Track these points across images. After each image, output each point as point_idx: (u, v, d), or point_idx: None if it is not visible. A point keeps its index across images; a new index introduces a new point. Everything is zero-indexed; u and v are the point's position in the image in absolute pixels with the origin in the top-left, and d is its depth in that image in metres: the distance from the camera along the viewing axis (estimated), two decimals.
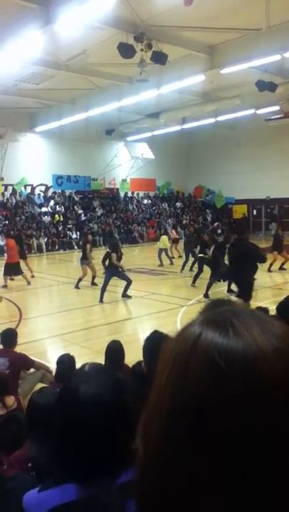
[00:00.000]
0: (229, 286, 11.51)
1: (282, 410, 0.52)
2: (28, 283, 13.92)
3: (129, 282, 11.42)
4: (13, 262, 13.83)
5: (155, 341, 3.43)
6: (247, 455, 0.51)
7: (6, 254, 14.88)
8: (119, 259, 11.48)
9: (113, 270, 11.43)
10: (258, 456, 0.51)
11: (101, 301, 11.16)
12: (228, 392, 0.52)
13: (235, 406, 0.52)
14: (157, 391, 0.59)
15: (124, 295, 11.62)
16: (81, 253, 13.52)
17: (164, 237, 17.55)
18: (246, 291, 9.16)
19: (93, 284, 13.29)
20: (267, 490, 0.51)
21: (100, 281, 12.31)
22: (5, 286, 13.66)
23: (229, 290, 11.50)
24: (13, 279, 14.08)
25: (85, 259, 13.18)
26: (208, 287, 11.28)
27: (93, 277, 13.40)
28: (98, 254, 22.46)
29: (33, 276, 14.64)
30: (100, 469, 1.18)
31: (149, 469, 0.59)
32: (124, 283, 11.52)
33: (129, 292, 11.65)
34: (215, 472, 0.52)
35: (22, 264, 14.30)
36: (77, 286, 13.11)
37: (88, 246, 13.32)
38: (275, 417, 0.52)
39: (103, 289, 11.26)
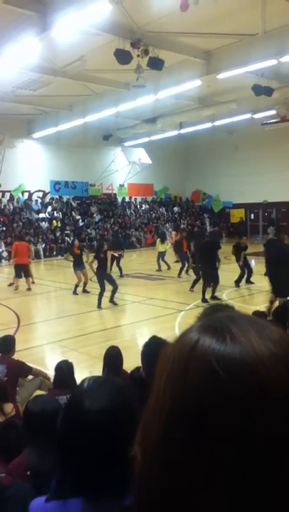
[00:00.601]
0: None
1: (280, 414, 0.52)
2: (29, 289, 13.98)
3: (114, 288, 11.42)
4: (24, 264, 14.19)
5: (153, 347, 3.42)
6: (246, 459, 0.51)
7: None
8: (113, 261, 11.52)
9: (100, 273, 11.52)
10: (258, 460, 0.51)
11: (99, 306, 11.14)
12: (226, 397, 0.52)
13: (233, 411, 0.52)
14: (156, 396, 0.59)
15: (111, 301, 11.47)
16: (73, 260, 13.36)
17: (158, 241, 17.48)
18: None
19: (84, 291, 13.28)
20: (266, 493, 0.51)
21: (91, 286, 12.31)
22: (13, 284, 14.06)
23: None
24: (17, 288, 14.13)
25: (78, 266, 13.18)
26: (204, 292, 11.38)
27: (84, 284, 13.33)
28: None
29: (33, 283, 14.64)
30: (107, 488, 1.14)
31: (147, 475, 0.58)
32: (128, 287, 11.50)
33: (125, 297, 11.65)
34: (214, 476, 0.52)
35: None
36: (75, 292, 13.11)
37: (78, 252, 13.42)
38: (274, 421, 0.52)
39: (100, 294, 11.24)
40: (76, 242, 14.28)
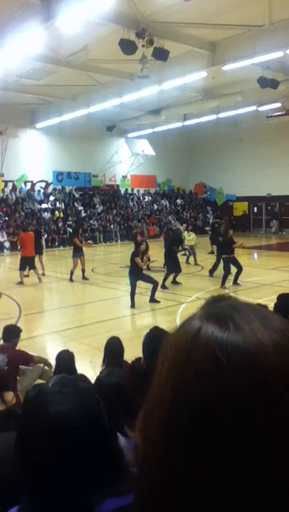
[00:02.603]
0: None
1: (283, 403, 0.52)
2: (39, 280, 13.78)
3: (155, 285, 10.78)
4: (29, 256, 13.68)
5: (155, 338, 3.43)
6: (248, 449, 0.51)
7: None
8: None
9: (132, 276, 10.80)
10: (260, 449, 0.51)
11: (132, 306, 10.54)
12: (229, 385, 0.52)
13: (236, 399, 0.52)
14: (158, 385, 0.59)
15: (152, 300, 10.80)
16: (73, 246, 13.90)
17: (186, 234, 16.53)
18: None
19: (84, 278, 13.59)
20: (268, 484, 0.51)
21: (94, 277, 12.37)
22: (21, 282, 13.44)
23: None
24: (28, 276, 13.97)
25: (78, 252, 13.56)
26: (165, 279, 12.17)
27: (83, 271, 13.66)
28: (98, 251, 22.53)
29: (43, 274, 14.41)
30: (56, 502, 1.02)
31: (149, 465, 0.58)
32: (126, 278, 11.46)
33: (127, 288, 11.60)
34: (216, 467, 0.52)
35: (36, 259, 14.27)
36: (71, 280, 13.27)
37: (77, 240, 13.78)
38: (275, 409, 0.52)
39: (132, 294, 10.69)
40: (80, 230, 14.78)
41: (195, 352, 0.55)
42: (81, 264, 13.61)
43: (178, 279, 12.84)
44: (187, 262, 16.14)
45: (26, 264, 13.67)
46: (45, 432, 1.00)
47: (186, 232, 16.47)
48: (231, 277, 12.40)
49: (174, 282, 12.73)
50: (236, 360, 0.53)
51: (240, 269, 12.26)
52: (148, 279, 10.77)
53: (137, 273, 10.64)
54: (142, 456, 0.60)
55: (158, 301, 10.71)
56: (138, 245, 10.95)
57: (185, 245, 15.35)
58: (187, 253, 16.08)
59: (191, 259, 16.30)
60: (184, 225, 18.98)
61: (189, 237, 16.02)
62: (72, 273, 13.48)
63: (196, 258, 16.28)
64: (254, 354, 0.53)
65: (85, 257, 13.83)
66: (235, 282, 12.33)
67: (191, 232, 16.60)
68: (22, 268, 13.68)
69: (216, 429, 0.52)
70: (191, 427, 0.53)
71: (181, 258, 14.55)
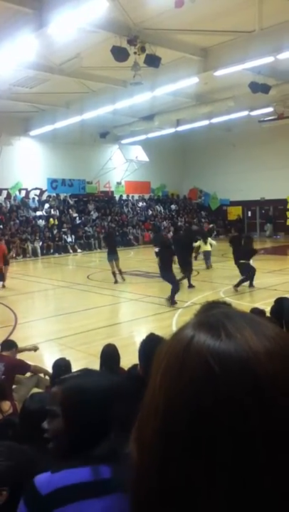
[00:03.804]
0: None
1: (276, 410, 0.52)
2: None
3: (173, 287, 10.94)
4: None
5: (151, 344, 3.42)
6: (244, 455, 0.51)
7: None
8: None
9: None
10: (255, 456, 0.51)
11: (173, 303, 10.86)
12: (222, 393, 0.53)
13: (229, 407, 0.52)
14: (151, 393, 0.59)
15: (171, 300, 10.99)
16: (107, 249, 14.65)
17: (200, 242, 16.33)
18: None
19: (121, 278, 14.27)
20: (264, 489, 0.51)
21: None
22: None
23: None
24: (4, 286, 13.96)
25: (110, 255, 14.21)
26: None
27: (120, 272, 14.26)
28: (93, 258, 22.52)
29: (4, 286, 14.06)
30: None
31: (144, 474, 0.58)
32: (125, 284, 11.48)
33: (123, 295, 11.62)
34: (212, 473, 0.52)
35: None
36: (116, 282, 13.96)
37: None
38: (269, 416, 0.52)
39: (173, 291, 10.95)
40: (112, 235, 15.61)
41: (188, 360, 0.56)
42: (116, 267, 14.22)
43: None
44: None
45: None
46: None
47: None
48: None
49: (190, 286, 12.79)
50: (229, 367, 0.53)
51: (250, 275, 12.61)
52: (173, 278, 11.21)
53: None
54: (138, 463, 0.60)
55: (175, 303, 10.88)
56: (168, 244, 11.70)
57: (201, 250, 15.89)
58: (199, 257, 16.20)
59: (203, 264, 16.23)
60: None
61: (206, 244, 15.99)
62: (114, 274, 14.10)
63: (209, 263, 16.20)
64: (246, 361, 0.53)
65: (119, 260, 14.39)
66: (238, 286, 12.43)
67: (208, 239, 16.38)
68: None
69: (211, 435, 0.52)
70: (185, 435, 0.54)
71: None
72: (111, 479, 1.27)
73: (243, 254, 12.64)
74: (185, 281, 12.66)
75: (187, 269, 12.75)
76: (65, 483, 1.26)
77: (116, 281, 14.07)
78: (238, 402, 0.52)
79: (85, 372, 1.60)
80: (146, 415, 0.60)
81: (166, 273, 11.22)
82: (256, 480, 0.51)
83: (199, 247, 16.12)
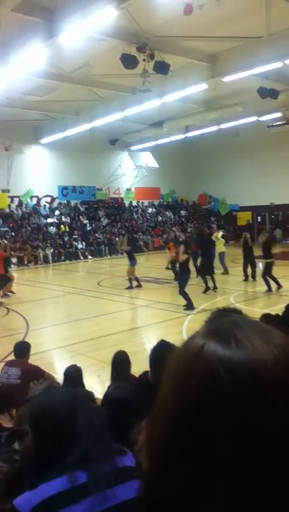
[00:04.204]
0: None
1: (283, 418, 0.53)
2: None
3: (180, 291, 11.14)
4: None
5: (161, 351, 3.42)
6: (248, 463, 0.52)
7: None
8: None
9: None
10: (259, 464, 0.52)
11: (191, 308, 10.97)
12: (230, 401, 0.53)
13: (237, 415, 0.53)
14: (161, 401, 0.60)
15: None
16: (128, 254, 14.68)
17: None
18: None
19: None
20: (266, 495, 0.52)
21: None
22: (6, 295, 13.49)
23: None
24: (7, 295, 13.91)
25: (130, 261, 14.40)
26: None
27: (135, 279, 14.42)
28: (103, 264, 22.56)
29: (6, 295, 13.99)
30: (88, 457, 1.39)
31: (154, 480, 0.59)
32: (136, 291, 11.44)
33: (133, 301, 11.60)
34: (216, 480, 0.53)
35: None
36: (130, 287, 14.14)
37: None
38: (276, 424, 0.53)
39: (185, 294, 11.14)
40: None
41: (198, 368, 0.57)
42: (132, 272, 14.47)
43: (187, 288, 12.70)
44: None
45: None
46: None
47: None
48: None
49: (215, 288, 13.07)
50: (238, 376, 0.54)
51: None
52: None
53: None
54: (147, 471, 0.61)
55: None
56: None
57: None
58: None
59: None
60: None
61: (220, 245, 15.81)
62: (137, 280, 14.41)
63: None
64: (255, 370, 0.54)
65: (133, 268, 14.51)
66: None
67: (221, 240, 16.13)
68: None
69: (217, 444, 0.53)
70: (192, 443, 0.55)
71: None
72: (87, 483, 1.31)
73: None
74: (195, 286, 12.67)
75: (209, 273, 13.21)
76: (44, 496, 1.31)
77: (140, 285, 14.31)
78: (245, 410, 0.53)
79: (48, 389, 1.80)
80: (156, 423, 0.60)
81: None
82: (258, 490, 0.52)
83: None
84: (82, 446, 1.43)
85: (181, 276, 11.49)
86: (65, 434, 1.46)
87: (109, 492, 1.41)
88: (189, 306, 10.95)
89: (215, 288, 12.96)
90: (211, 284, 12.93)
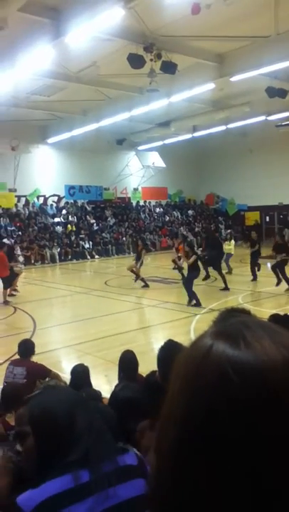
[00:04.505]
0: None
1: None
2: (5, 302, 13.28)
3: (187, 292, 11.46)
4: (4, 276, 13.17)
5: (169, 351, 3.41)
6: (257, 463, 0.52)
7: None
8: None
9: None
10: (269, 464, 0.52)
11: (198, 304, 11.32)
12: (239, 403, 0.53)
13: (246, 416, 0.53)
14: (170, 402, 0.60)
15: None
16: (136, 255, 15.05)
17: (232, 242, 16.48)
18: None
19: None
20: (274, 496, 0.52)
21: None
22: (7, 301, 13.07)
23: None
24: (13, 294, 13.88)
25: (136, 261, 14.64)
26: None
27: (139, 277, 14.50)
28: (110, 264, 22.58)
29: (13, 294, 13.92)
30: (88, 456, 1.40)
31: (162, 481, 0.59)
32: (143, 290, 11.50)
33: (140, 301, 11.63)
34: (224, 481, 0.53)
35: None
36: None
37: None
38: (286, 425, 0.52)
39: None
40: (140, 241, 15.67)
41: (206, 369, 0.56)
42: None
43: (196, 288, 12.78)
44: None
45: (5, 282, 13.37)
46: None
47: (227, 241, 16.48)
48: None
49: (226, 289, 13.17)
50: (247, 377, 0.54)
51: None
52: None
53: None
54: (156, 473, 0.61)
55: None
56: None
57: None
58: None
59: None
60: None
61: (229, 246, 16.03)
62: (142, 279, 14.46)
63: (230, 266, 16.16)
64: (265, 371, 0.54)
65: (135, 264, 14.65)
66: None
67: (231, 241, 16.39)
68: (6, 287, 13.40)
69: (226, 446, 0.53)
70: (200, 444, 0.54)
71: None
72: (89, 482, 1.35)
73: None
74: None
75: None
76: (48, 494, 1.32)
77: (147, 285, 14.38)
78: (254, 411, 0.52)
79: (47, 389, 1.80)
80: (165, 424, 0.60)
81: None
82: (270, 488, 0.51)
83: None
84: (83, 446, 1.45)
85: (190, 274, 11.57)
86: (65, 434, 1.46)
87: (111, 491, 1.42)
88: (197, 303, 11.03)
89: (227, 288, 12.99)
90: (222, 284, 13.13)
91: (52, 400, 1.59)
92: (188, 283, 11.38)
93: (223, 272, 13.87)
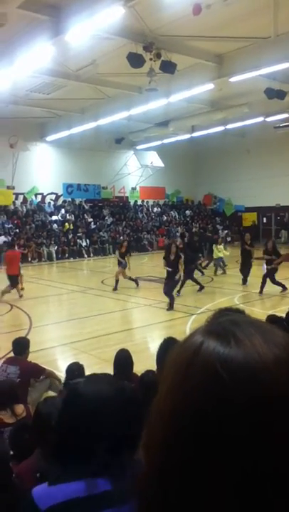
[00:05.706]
0: None
1: (283, 418, 0.52)
2: (21, 296, 13.43)
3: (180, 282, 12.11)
4: (14, 274, 13.22)
5: (167, 348, 3.42)
6: (247, 463, 0.51)
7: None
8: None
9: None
10: (258, 464, 0.51)
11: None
12: (229, 400, 0.53)
13: (236, 414, 0.52)
14: (158, 399, 0.60)
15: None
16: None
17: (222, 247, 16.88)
18: None
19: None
20: (266, 496, 0.52)
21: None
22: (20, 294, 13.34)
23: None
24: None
25: (119, 264, 14.32)
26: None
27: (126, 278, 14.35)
28: (107, 263, 22.56)
29: (22, 289, 13.86)
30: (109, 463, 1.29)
31: (149, 478, 0.59)
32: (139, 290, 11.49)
33: (136, 300, 11.62)
34: (214, 479, 0.52)
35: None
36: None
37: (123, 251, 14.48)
38: (276, 425, 0.52)
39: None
40: (126, 243, 15.17)
41: (196, 367, 0.56)
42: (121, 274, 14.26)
43: (185, 290, 12.90)
44: (215, 273, 16.43)
45: (13, 281, 13.33)
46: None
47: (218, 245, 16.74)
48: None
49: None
50: (237, 375, 0.53)
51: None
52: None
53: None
54: (144, 469, 0.61)
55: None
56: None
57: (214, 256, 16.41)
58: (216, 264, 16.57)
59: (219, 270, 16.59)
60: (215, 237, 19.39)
61: (219, 251, 16.38)
62: (131, 279, 14.37)
63: (225, 269, 16.58)
64: (255, 369, 0.53)
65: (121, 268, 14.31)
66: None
67: (220, 246, 16.71)
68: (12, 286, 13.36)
69: (215, 444, 0.52)
70: (189, 442, 0.54)
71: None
72: (110, 493, 1.26)
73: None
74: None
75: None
76: (62, 498, 1.25)
77: (137, 284, 14.37)
78: (244, 409, 0.52)
79: (91, 377, 1.59)
80: (153, 421, 0.60)
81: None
82: (258, 489, 0.51)
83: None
84: (104, 455, 1.31)
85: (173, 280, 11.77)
86: (84, 432, 1.31)
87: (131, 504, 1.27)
88: (171, 306, 11.11)
89: (202, 287, 13.12)
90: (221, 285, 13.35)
91: (87, 393, 1.41)
92: (174, 287, 11.58)
93: (219, 272, 13.94)
